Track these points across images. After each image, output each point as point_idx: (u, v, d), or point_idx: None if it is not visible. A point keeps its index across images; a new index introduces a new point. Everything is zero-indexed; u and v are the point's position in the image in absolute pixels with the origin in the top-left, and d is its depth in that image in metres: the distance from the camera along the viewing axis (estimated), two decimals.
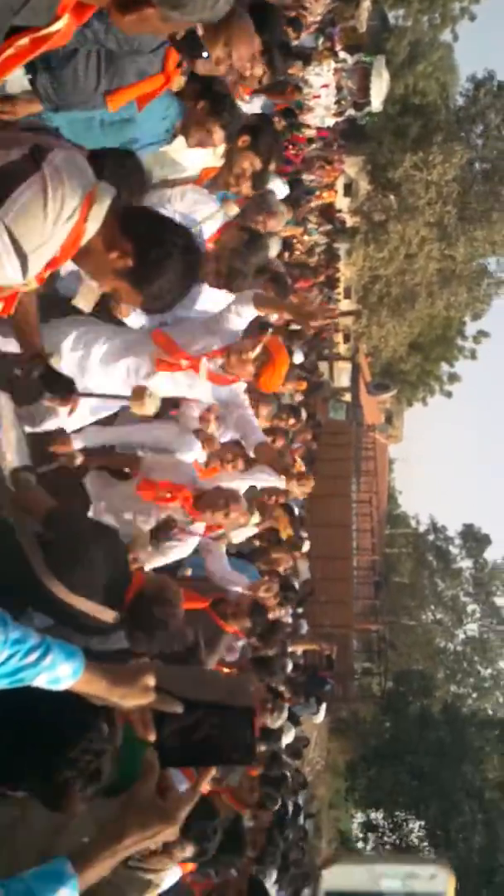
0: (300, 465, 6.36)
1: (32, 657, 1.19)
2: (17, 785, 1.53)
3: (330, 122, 13.96)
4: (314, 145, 11.89)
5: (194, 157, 3.41)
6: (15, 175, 1.51)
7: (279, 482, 4.40)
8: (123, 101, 2.23)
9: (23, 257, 1.52)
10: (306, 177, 11.22)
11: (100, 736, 1.44)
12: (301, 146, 9.88)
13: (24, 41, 1.19)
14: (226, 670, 4.33)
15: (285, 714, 5.55)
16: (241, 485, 4.09)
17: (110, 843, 1.18)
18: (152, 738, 1.27)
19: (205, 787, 1.30)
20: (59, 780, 1.37)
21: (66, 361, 3.09)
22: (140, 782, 1.23)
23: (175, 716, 1.28)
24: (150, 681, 1.28)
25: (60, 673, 1.23)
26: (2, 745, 1.45)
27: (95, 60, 2.15)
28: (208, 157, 3.47)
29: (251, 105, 4.51)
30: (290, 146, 8.98)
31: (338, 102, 14.52)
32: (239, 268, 3.47)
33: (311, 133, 11.49)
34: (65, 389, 2.31)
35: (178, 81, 2.96)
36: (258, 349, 3.39)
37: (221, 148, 3.21)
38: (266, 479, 4.34)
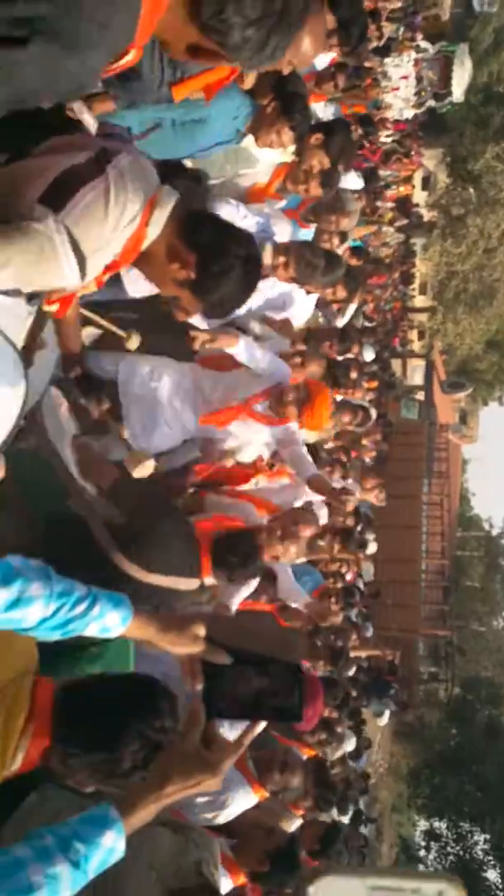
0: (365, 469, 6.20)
1: (80, 608, 1.24)
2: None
3: (409, 113, 13.63)
4: (391, 138, 11.61)
5: (266, 153, 3.37)
6: (79, 177, 1.50)
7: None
8: (188, 91, 2.20)
9: (81, 259, 1.51)
10: (383, 172, 10.98)
11: (158, 724, 1.50)
12: (378, 144, 9.66)
13: None
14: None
15: (345, 745, 5.45)
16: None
17: (153, 790, 1.19)
18: (200, 687, 1.28)
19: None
20: (120, 772, 1.43)
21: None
22: (185, 731, 1.24)
23: (223, 667, 1.29)
24: (200, 630, 1.31)
25: (109, 622, 1.28)
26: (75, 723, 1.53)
27: (159, 53, 2.14)
28: (280, 152, 3.43)
29: (325, 111, 4.42)
30: (367, 144, 8.80)
31: (417, 94, 14.16)
32: (309, 260, 3.43)
33: (388, 130, 11.22)
34: (97, 394, 2.33)
35: (250, 79, 2.91)
36: (295, 392, 3.38)
37: (292, 147, 3.15)
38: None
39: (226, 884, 2.44)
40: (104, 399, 2.38)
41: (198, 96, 2.65)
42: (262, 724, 1.30)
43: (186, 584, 2.59)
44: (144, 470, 2.39)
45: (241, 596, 3.22)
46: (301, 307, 3.92)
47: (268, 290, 3.57)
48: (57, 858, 1.08)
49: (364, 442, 7.18)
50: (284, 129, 2.95)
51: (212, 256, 1.66)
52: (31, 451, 2.46)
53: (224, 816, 2.92)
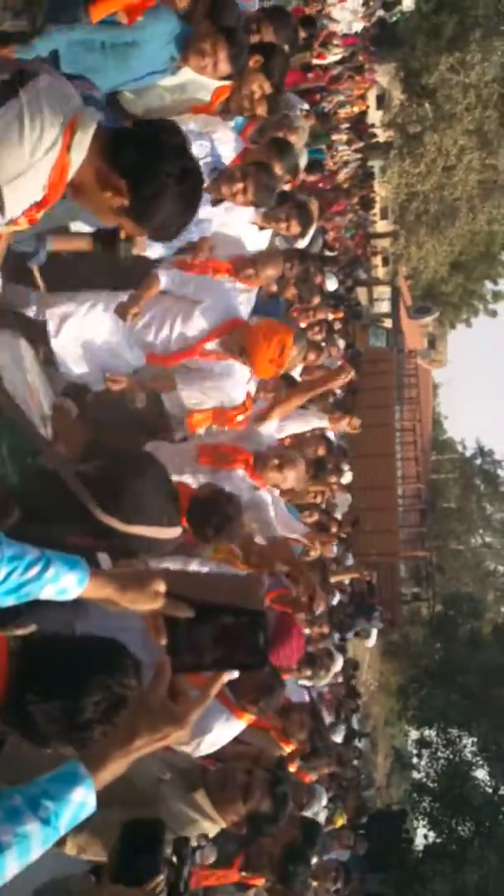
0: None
1: (33, 571, 1.22)
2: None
3: (358, 27, 13.04)
4: (341, 53, 11.13)
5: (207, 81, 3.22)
6: None
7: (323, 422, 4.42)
8: (106, 10, 2.07)
9: None
10: (334, 94, 10.58)
11: (121, 679, 1.46)
12: (327, 49, 9.23)
13: None
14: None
15: (335, 667, 5.61)
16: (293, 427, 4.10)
17: (121, 744, 1.20)
18: (164, 642, 1.28)
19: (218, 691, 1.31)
20: (80, 722, 1.39)
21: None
22: (151, 686, 1.25)
23: (186, 621, 1.29)
24: (160, 586, 1.30)
25: (66, 583, 1.26)
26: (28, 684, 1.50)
27: None
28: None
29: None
30: (314, 68, 8.43)
31: (365, 4, 13.53)
32: (266, 183, 3.35)
33: (337, 47, 10.73)
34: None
35: (183, 1, 2.75)
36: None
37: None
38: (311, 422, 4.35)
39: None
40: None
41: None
42: (228, 675, 1.32)
43: (168, 532, 2.60)
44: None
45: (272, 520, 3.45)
46: (253, 241, 3.84)
47: (222, 215, 3.47)
48: (26, 817, 1.09)
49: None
50: (221, 56, 2.82)
51: (141, 180, 1.57)
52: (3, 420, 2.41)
53: (206, 744, 2.94)
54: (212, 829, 2.23)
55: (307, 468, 5.25)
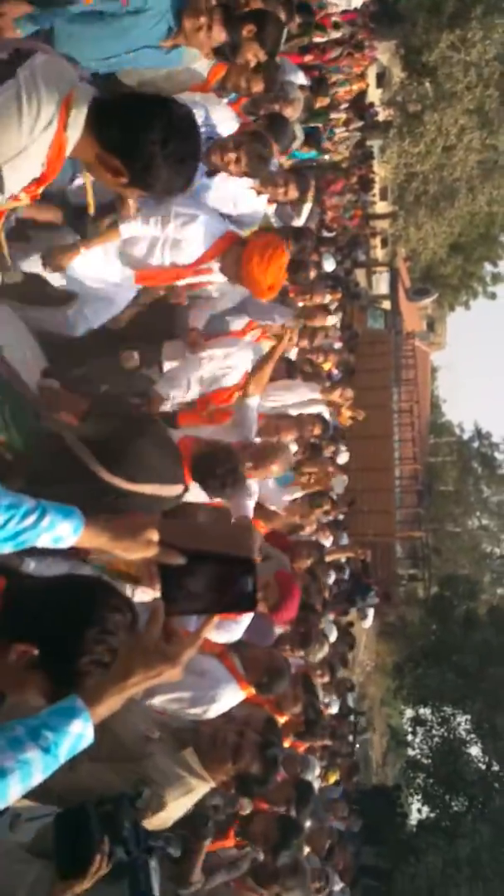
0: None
1: (30, 519, 1.27)
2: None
3: (358, 2, 12.87)
4: (340, 31, 11.00)
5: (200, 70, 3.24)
6: None
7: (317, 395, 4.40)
8: None
9: None
10: (334, 73, 10.45)
11: (114, 620, 1.46)
12: (325, 32, 9.12)
13: None
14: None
15: (329, 637, 5.69)
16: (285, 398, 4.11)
17: (117, 681, 1.26)
18: (157, 588, 1.33)
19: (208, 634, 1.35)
20: (75, 667, 1.41)
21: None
22: (147, 628, 1.30)
23: (178, 567, 1.34)
24: (153, 534, 1.35)
25: (61, 531, 1.30)
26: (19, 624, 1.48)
27: None
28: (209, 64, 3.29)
29: None
30: (312, 48, 8.34)
31: None
32: (260, 153, 3.33)
33: (338, 28, 10.59)
34: None
35: None
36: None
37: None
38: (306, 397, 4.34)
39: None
40: None
41: None
42: (217, 619, 1.37)
43: (171, 490, 2.65)
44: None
45: (250, 505, 3.41)
46: (251, 205, 3.82)
47: (218, 186, 3.46)
48: (28, 745, 1.16)
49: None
50: (216, 22, 2.82)
51: (130, 155, 1.60)
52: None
53: (213, 711, 3.03)
54: (200, 787, 2.28)
55: (303, 450, 5.32)
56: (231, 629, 3.13)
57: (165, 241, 3.19)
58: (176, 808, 2.21)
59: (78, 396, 2.76)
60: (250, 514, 3.63)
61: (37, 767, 1.16)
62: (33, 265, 2.97)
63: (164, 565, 1.34)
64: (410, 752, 22.72)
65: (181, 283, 3.42)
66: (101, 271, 3.21)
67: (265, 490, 4.35)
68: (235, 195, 3.56)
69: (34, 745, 1.16)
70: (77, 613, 1.41)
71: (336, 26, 10.25)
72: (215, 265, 3.31)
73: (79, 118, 1.56)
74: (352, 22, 12.29)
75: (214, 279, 3.45)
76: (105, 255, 3.17)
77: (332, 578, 7.89)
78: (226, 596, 1.34)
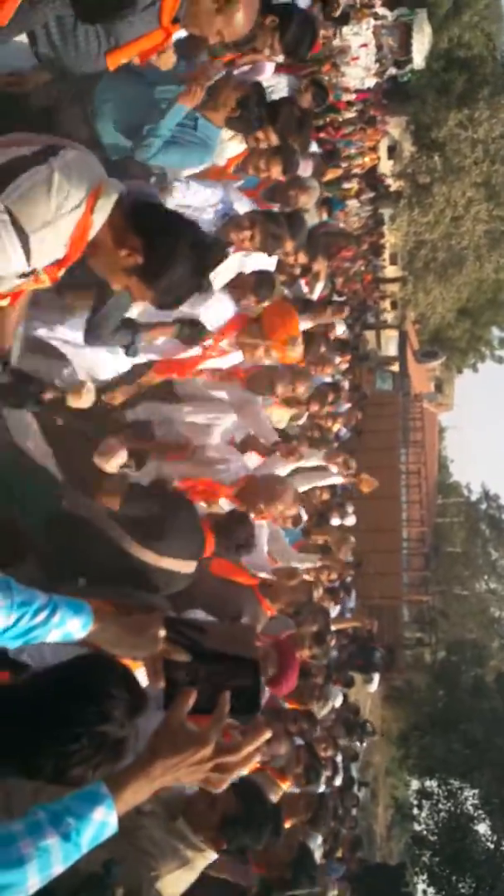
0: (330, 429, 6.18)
1: (41, 616, 1.28)
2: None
3: (370, 82, 13.52)
4: (354, 109, 11.53)
5: (227, 150, 3.40)
6: (22, 167, 1.54)
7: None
8: (123, 58, 2.24)
9: (24, 239, 1.53)
10: (346, 148, 10.91)
11: (101, 713, 1.40)
12: (339, 114, 9.57)
13: None
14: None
15: (332, 702, 5.58)
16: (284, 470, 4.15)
17: (143, 767, 1.22)
18: (162, 684, 1.32)
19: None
20: (64, 762, 1.35)
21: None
22: (169, 712, 1.27)
23: (182, 664, 1.34)
24: (159, 630, 1.35)
25: (70, 628, 1.31)
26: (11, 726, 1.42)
27: (93, 26, 2.14)
28: (239, 147, 3.46)
29: (277, 84, 4.39)
30: (326, 126, 8.74)
31: (378, 62, 14.03)
32: (273, 231, 3.43)
33: (349, 97, 11.12)
34: (35, 396, 2.14)
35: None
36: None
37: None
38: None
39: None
40: (46, 391, 2.22)
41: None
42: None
43: (188, 566, 2.74)
44: (85, 399, 2.43)
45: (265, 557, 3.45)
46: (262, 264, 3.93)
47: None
48: (48, 832, 1.11)
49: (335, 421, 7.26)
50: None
51: (158, 239, 1.68)
52: (14, 462, 2.52)
53: None
54: (198, 860, 2.21)
55: (311, 517, 5.33)
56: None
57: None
58: (175, 882, 2.13)
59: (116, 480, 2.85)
60: (267, 567, 3.65)
61: (56, 857, 1.12)
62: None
63: (167, 662, 1.34)
64: (416, 827, 21.80)
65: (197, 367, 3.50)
66: (110, 367, 3.26)
67: (275, 545, 4.35)
68: (243, 262, 3.68)
69: (54, 831, 1.12)
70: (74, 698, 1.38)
71: (349, 105, 10.76)
72: (228, 346, 3.41)
73: (107, 205, 1.65)
74: (364, 100, 12.90)
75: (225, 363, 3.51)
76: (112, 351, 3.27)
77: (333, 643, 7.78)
78: (231, 696, 1.30)
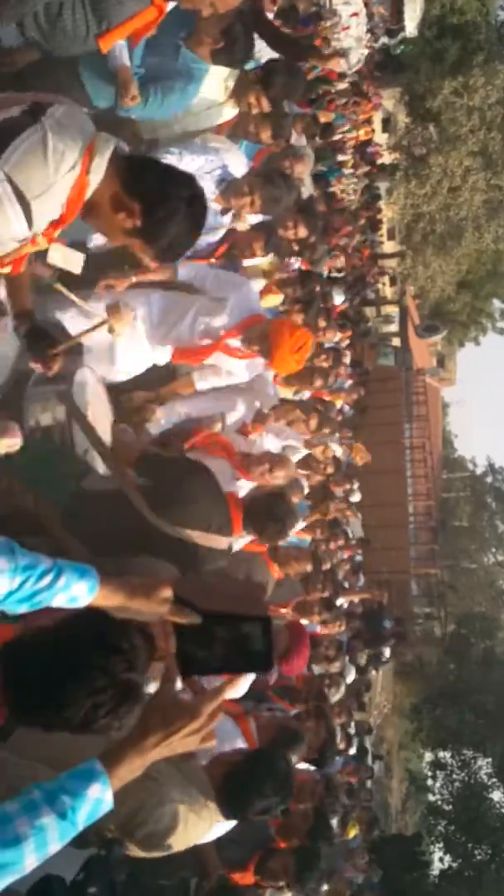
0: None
1: (46, 580, 1.25)
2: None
3: (363, 52, 13.30)
4: (346, 80, 11.36)
5: (221, 114, 3.35)
6: (13, 129, 1.52)
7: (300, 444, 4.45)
8: (115, 40, 2.22)
9: (26, 206, 1.52)
10: (339, 122, 10.80)
11: (115, 665, 1.38)
12: (332, 85, 9.46)
13: None
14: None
15: (344, 684, 5.62)
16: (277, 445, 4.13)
17: (135, 742, 1.22)
18: (173, 648, 1.31)
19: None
20: (76, 713, 1.34)
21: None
22: (160, 685, 1.27)
23: (193, 626, 1.32)
24: (168, 592, 1.33)
25: (76, 592, 1.28)
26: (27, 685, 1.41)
27: (81, 11, 2.15)
28: (232, 112, 3.41)
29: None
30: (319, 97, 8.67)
31: (369, 31, 13.80)
32: (272, 194, 3.43)
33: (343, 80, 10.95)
34: (43, 350, 2.22)
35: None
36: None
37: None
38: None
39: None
40: (56, 346, 2.25)
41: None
42: (244, 679, 1.34)
43: (217, 541, 2.69)
44: (126, 317, 2.42)
45: None
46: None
47: (226, 221, 3.56)
48: (44, 810, 1.12)
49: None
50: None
51: (155, 202, 1.66)
52: (39, 443, 2.53)
53: None
54: (204, 810, 2.18)
55: (316, 490, 5.32)
56: (238, 686, 3.12)
57: (199, 304, 3.29)
58: (183, 824, 2.10)
59: (134, 443, 2.83)
60: None
61: (52, 835, 1.12)
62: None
63: (178, 624, 1.32)
64: (430, 798, 22.08)
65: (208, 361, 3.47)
66: (142, 360, 3.27)
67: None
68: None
69: (50, 809, 1.12)
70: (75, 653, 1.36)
71: (341, 76, 10.60)
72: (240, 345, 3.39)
73: (101, 164, 1.63)
74: (357, 72, 12.70)
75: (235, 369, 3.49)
76: (148, 343, 3.23)
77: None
78: (241, 655, 1.32)
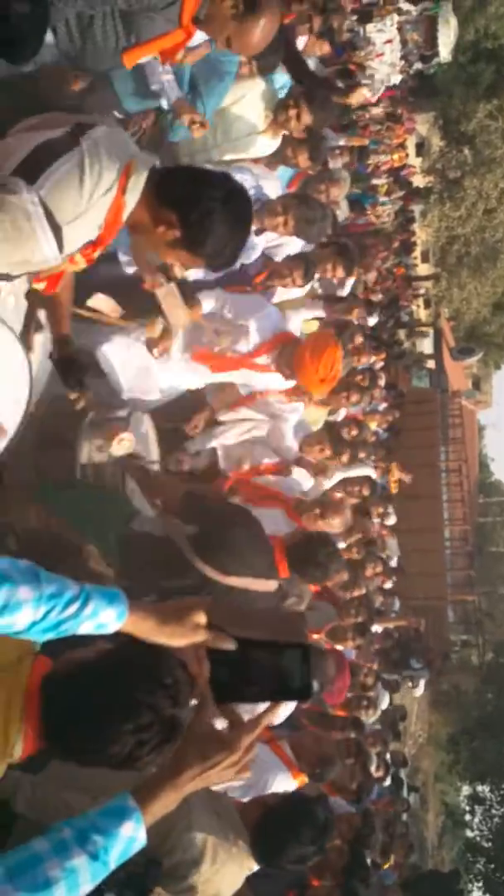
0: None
1: (72, 608, 1.19)
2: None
3: (397, 79, 13.41)
4: (381, 106, 11.47)
5: (259, 144, 3.39)
6: (54, 150, 1.53)
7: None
8: (139, 57, 2.24)
9: (56, 229, 1.52)
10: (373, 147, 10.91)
11: (159, 700, 1.34)
12: (366, 111, 9.56)
13: None
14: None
15: (381, 707, 5.51)
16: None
17: (170, 777, 1.17)
18: (206, 674, 1.25)
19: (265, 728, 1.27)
20: (120, 752, 1.31)
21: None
22: (195, 716, 1.22)
23: (228, 652, 1.26)
24: (201, 618, 1.26)
25: (104, 619, 1.22)
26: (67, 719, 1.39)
27: (112, 22, 2.16)
28: (271, 145, 3.45)
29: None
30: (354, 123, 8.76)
31: (404, 58, 13.91)
32: (306, 216, 3.44)
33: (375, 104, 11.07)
34: (75, 381, 2.22)
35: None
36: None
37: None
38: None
39: None
40: (85, 388, 2.29)
41: None
42: (284, 706, 1.29)
43: (265, 585, 2.68)
44: (124, 446, 2.40)
45: None
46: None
47: (262, 241, 3.58)
48: (75, 851, 1.07)
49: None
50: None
51: (188, 207, 1.64)
52: (89, 484, 2.55)
53: None
54: (234, 850, 2.11)
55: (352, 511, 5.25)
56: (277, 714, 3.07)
57: (228, 325, 3.30)
58: (223, 868, 2.02)
59: (179, 482, 2.84)
60: None
61: (84, 877, 1.07)
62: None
63: (213, 650, 1.25)
64: (469, 834, 21.34)
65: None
66: (179, 379, 3.30)
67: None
68: (277, 243, 3.67)
69: (81, 850, 1.08)
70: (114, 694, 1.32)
71: (377, 102, 10.69)
72: (269, 362, 3.40)
73: (138, 184, 1.63)
74: (391, 98, 12.80)
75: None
76: (184, 363, 3.28)
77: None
78: (279, 683, 1.26)
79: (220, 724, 1.25)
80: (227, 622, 1.30)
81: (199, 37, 2.48)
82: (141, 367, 3.12)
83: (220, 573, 2.50)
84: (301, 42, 4.27)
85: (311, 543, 2.93)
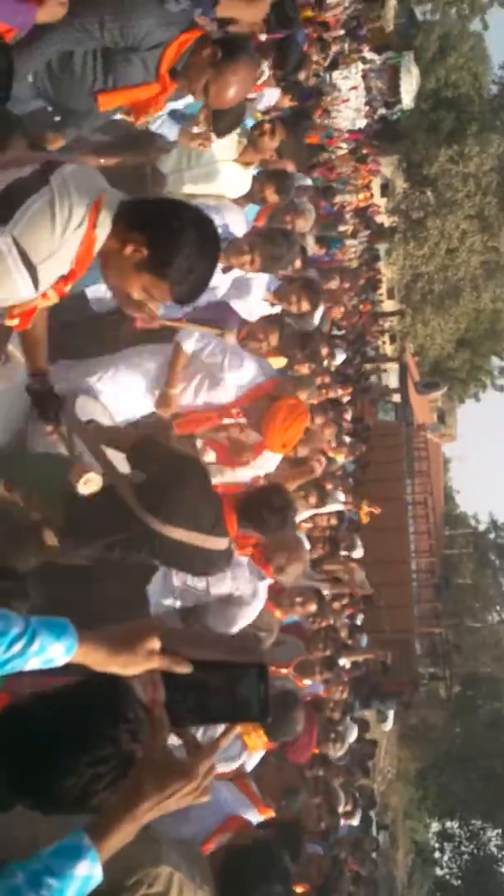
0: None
1: (17, 647, 1.16)
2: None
3: (361, 123, 13.89)
4: (346, 148, 11.85)
5: (230, 177, 3.46)
6: (25, 189, 1.54)
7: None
8: (114, 103, 2.25)
9: (32, 269, 1.54)
10: (338, 181, 11.21)
11: (114, 740, 1.31)
12: (332, 153, 9.87)
13: None
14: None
15: (348, 741, 5.47)
16: None
17: (128, 808, 1.13)
18: (162, 698, 1.22)
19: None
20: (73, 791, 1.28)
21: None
22: (149, 742, 1.19)
23: (184, 675, 1.24)
24: (154, 643, 1.24)
25: (52, 654, 1.20)
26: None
27: (92, 60, 2.17)
28: (244, 179, 3.53)
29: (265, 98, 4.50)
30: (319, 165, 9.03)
31: (368, 104, 14.44)
32: (272, 253, 3.44)
33: (342, 137, 11.44)
34: (48, 415, 2.23)
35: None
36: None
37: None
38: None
39: None
40: (59, 422, 2.30)
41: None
42: (237, 728, 1.27)
43: (214, 542, 2.58)
44: (90, 486, 2.35)
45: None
46: (257, 294, 3.91)
47: (228, 280, 3.58)
48: None
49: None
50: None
51: (156, 225, 1.63)
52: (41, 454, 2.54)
53: None
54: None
55: (322, 546, 5.25)
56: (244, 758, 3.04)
57: (205, 377, 3.29)
58: None
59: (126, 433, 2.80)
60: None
61: None
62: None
63: (167, 674, 1.23)
64: (438, 872, 21.05)
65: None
66: (131, 409, 3.26)
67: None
68: (251, 309, 3.69)
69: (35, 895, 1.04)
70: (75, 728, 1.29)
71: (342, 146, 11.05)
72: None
73: (107, 218, 1.64)
74: (356, 139, 13.24)
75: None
76: (143, 394, 3.26)
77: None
78: (237, 703, 1.24)
79: (178, 749, 1.22)
80: (180, 646, 1.28)
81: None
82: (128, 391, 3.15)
83: (164, 525, 2.42)
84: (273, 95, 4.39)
85: (265, 491, 2.86)
